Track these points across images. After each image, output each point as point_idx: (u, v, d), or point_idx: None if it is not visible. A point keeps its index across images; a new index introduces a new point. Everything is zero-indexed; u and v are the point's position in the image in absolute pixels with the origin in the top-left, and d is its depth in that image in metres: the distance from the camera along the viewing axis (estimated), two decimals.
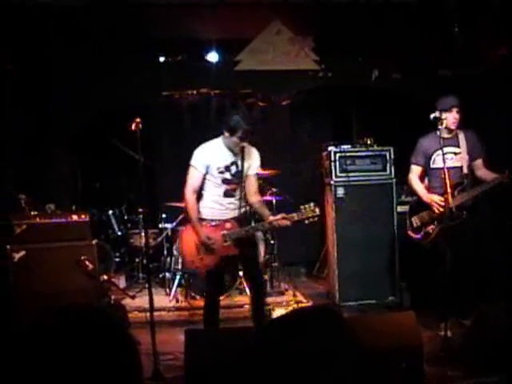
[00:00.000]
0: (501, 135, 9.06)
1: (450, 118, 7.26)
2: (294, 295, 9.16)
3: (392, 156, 8.94)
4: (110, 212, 10.47)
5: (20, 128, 9.39)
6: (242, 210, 6.80)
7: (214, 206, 6.77)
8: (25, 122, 9.48)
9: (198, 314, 8.20)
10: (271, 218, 6.67)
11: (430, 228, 7.49)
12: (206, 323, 6.93)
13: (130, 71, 9.94)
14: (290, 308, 8.56)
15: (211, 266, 6.69)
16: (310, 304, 8.86)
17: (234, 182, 6.71)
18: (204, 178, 6.70)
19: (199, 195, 6.79)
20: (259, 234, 9.70)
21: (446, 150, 7.17)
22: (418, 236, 7.65)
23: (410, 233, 7.77)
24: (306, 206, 6.80)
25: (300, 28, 9.99)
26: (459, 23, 9.20)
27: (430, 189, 7.59)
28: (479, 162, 7.43)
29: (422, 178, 7.74)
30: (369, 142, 9.03)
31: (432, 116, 6.92)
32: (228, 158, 6.69)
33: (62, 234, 7.81)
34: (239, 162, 6.70)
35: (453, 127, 7.34)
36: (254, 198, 6.89)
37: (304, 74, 10.37)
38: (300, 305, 8.77)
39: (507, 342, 5.58)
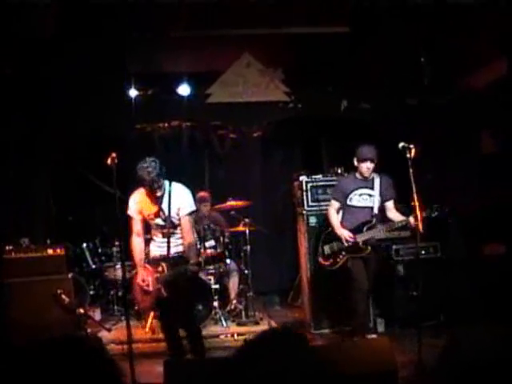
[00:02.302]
0: (466, 163, 9.29)
1: (364, 167, 7.86)
2: (269, 324, 9.19)
3: None
4: (84, 245, 10.48)
5: None
6: (174, 249, 6.98)
7: (156, 245, 7.09)
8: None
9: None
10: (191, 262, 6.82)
11: (338, 257, 8.09)
12: (171, 355, 7.18)
13: (102, 105, 10.01)
14: None
15: (149, 306, 7.10)
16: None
17: (166, 227, 6.92)
18: (146, 222, 7.01)
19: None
20: (232, 265, 9.79)
21: (362, 190, 7.96)
22: (327, 263, 8.26)
23: (320, 259, 8.39)
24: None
25: (270, 60, 10.14)
26: (426, 53, 9.38)
27: (343, 222, 8.09)
28: (390, 203, 8.03)
29: (337, 212, 8.21)
30: (339, 171, 9.15)
31: (401, 145, 7.01)
32: (154, 205, 6.91)
33: (38, 268, 7.87)
34: (166, 208, 6.87)
35: (366, 175, 7.90)
36: (186, 239, 6.97)
37: (274, 106, 10.55)
38: None
39: (481, 364, 5.67)
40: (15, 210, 9.81)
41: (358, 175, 8.00)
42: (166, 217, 6.88)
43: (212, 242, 9.42)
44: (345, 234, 7.92)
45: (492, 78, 9.08)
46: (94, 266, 10.51)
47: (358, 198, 7.98)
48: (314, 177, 9.15)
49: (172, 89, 10.40)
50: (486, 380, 4.96)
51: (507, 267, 8.33)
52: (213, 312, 9.11)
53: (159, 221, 6.94)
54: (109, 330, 8.73)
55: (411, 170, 6.79)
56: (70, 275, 7.98)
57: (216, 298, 9.21)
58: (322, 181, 9.14)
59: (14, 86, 9.05)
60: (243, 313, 9.52)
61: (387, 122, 9.77)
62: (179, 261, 6.85)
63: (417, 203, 6.88)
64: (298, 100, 10.54)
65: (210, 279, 9.30)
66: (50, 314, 7.63)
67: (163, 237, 7.00)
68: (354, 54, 9.52)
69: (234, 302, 9.76)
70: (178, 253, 6.96)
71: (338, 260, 8.08)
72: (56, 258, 8.01)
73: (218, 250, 9.43)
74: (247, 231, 9.57)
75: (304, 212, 9.06)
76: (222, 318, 9.16)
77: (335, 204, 8.15)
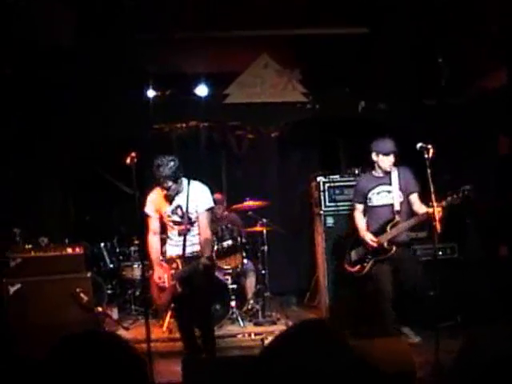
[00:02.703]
0: (483, 164, 9.25)
1: (387, 161, 7.61)
2: (286, 324, 9.16)
3: None
4: (102, 245, 10.50)
5: (14, 159, 9.48)
6: (190, 248, 7.08)
7: (172, 245, 7.16)
8: (20, 155, 9.56)
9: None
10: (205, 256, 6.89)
11: (365, 262, 7.80)
12: (187, 354, 7.28)
13: (120, 105, 10.06)
14: None
15: (165, 303, 7.17)
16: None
17: (184, 223, 7.01)
18: (162, 221, 7.11)
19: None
20: (249, 265, 9.81)
21: (380, 188, 7.69)
22: (355, 269, 7.95)
23: (346, 266, 8.09)
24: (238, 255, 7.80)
25: (287, 61, 10.16)
26: (444, 53, 9.37)
27: (368, 224, 7.85)
28: (414, 196, 7.64)
29: (364, 214, 7.98)
30: (356, 172, 9.15)
31: (418, 145, 6.94)
32: (171, 202, 7.04)
33: (57, 267, 7.92)
34: (184, 205, 6.98)
35: (388, 169, 7.65)
36: (203, 235, 7.07)
37: (292, 107, 10.59)
38: None
39: (498, 365, 5.65)
40: (34, 210, 9.88)
41: (374, 173, 7.79)
42: (184, 213, 6.98)
43: (229, 242, 9.44)
44: (367, 237, 7.70)
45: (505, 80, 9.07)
46: (111, 266, 10.53)
47: (377, 197, 7.71)
48: (331, 177, 9.21)
49: (190, 89, 10.47)
50: (502, 380, 4.96)
51: None
52: (230, 312, 9.13)
53: (176, 217, 7.05)
54: (127, 329, 8.80)
55: (429, 171, 6.75)
56: (88, 274, 8.02)
57: (233, 297, 9.22)
58: (339, 181, 9.20)
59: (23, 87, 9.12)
60: (260, 313, 9.51)
61: (404, 123, 9.74)
62: (194, 258, 6.93)
63: (435, 204, 6.77)
64: (316, 101, 10.56)
65: (228, 279, 9.33)
66: (68, 313, 7.67)
67: (179, 235, 7.08)
68: (372, 55, 9.52)
69: (251, 301, 9.79)
70: (193, 252, 7.05)
71: (365, 265, 7.81)
72: (74, 257, 8.07)
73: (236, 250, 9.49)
74: (264, 231, 9.59)
75: (321, 212, 9.11)
76: (239, 318, 9.17)
77: (359, 207, 7.95)
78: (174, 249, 7.12)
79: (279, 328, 9.01)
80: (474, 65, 9.19)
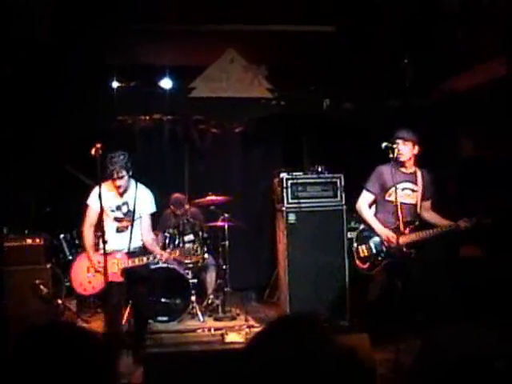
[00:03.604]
0: (445, 166, 9.29)
1: (406, 149, 7.22)
2: (246, 320, 9.18)
3: (342, 183, 9.05)
4: (61, 236, 10.39)
5: None
6: (133, 245, 7.19)
7: (109, 238, 7.02)
8: None
9: (153, 338, 8.30)
10: (161, 253, 7.21)
11: (378, 260, 7.42)
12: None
13: (84, 97, 9.94)
14: (243, 332, 8.61)
15: (98, 288, 7.07)
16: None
17: (126, 220, 7.15)
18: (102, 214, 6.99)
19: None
20: (210, 260, 9.79)
21: (404, 185, 7.27)
22: (365, 266, 7.56)
23: (357, 262, 7.68)
24: (195, 248, 7.71)
25: (254, 56, 10.13)
26: (409, 54, 9.41)
27: (378, 219, 7.43)
28: (429, 202, 7.42)
29: (369, 206, 7.62)
30: (320, 170, 9.14)
31: (384, 145, 6.89)
32: (119, 198, 7.16)
33: (17, 258, 7.83)
34: (131, 202, 7.13)
35: (405, 159, 7.23)
36: (146, 236, 7.27)
37: (257, 102, 10.57)
38: (252, 329, 8.79)
39: (458, 364, 5.66)
40: None
41: (398, 166, 7.21)
42: (129, 210, 7.11)
43: (191, 237, 9.44)
44: (388, 234, 7.20)
45: (473, 82, 9.13)
46: (70, 257, 10.39)
47: (400, 193, 7.10)
48: (294, 174, 9.15)
49: (154, 82, 10.39)
50: (461, 380, 4.98)
51: (484, 269, 8.35)
52: (190, 306, 9.12)
53: (119, 214, 7.16)
54: (86, 322, 8.72)
55: (393, 170, 6.78)
56: (48, 266, 7.95)
57: (193, 292, 9.22)
58: (302, 178, 9.14)
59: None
60: (220, 308, 9.54)
61: (369, 123, 9.78)
62: (138, 253, 7.13)
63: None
64: (281, 97, 10.55)
65: (188, 273, 9.31)
66: (27, 305, 7.60)
67: (117, 231, 7.19)
68: (338, 54, 9.53)
69: (211, 296, 9.78)
70: (135, 247, 7.20)
71: (377, 263, 7.39)
72: (34, 248, 8.01)
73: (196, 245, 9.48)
74: (226, 226, 9.58)
75: (283, 209, 9.05)
76: (199, 313, 9.16)
77: (369, 197, 7.51)
78: (111, 243, 7.04)
79: (239, 323, 9.06)
80: (440, 66, 9.23)
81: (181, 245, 9.37)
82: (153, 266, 9.08)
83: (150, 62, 10.06)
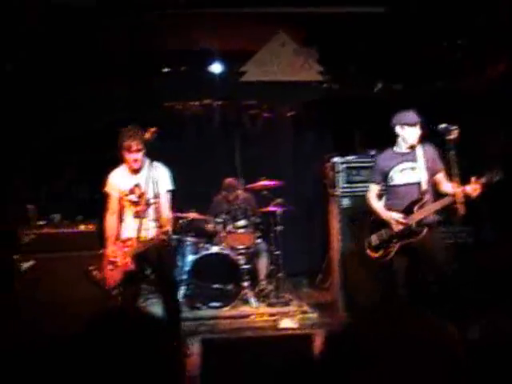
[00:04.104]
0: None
1: (413, 133, 7.05)
2: (300, 305, 9.14)
3: None
4: None
5: (28, 138, 9.38)
6: (148, 231, 6.82)
7: (127, 225, 6.96)
8: (33, 133, 9.46)
9: (204, 325, 8.28)
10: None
11: (390, 246, 7.15)
12: None
13: (133, 82, 9.91)
14: (296, 318, 8.55)
15: (117, 281, 6.84)
16: (315, 314, 8.83)
17: (140, 204, 6.82)
18: (120, 201, 6.94)
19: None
20: (263, 245, 9.74)
21: (403, 165, 7.09)
22: (377, 255, 7.32)
23: (368, 252, 7.45)
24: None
25: (304, 39, 10.00)
26: (463, 36, 9.21)
27: (388, 206, 7.24)
28: (440, 176, 7.09)
29: (380, 197, 7.46)
30: (372, 153, 9.00)
31: (443, 126, 6.71)
32: (131, 180, 6.89)
33: (70, 244, 7.84)
34: (143, 184, 6.81)
35: (414, 143, 7.06)
36: (161, 214, 6.86)
37: (308, 85, 10.42)
38: (306, 315, 8.76)
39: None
40: (47, 187, 9.80)
41: (396, 149, 7.19)
42: (142, 193, 6.79)
43: (243, 222, 9.39)
44: (394, 216, 7.01)
45: None
46: None
47: (400, 175, 7.06)
48: (347, 158, 9.04)
49: (204, 66, 10.35)
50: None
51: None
52: (242, 292, 9.09)
53: (133, 197, 6.86)
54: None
55: (453, 153, 6.59)
56: (101, 251, 7.91)
57: (246, 278, 9.19)
58: (355, 162, 9.04)
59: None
60: (272, 294, 9.49)
61: (421, 105, 9.59)
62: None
63: (456, 185, 6.55)
64: (332, 80, 10.42)
65: (240, 259, 9.26)
66: (81, 291, 7.55)
67: (135, 217, 6.88)
68: (389, 35, 9.35)
69: (264, 282, 9.74)
70: (147, 236, 6.84)
71: (390, 249, 7.09)
72: (87, 234, 7.97)
73: (249, 231, 9.44)
74: (278, 211, 9.51)
75: (337, 193, 8.96)
76: (252, 299, 9.13)
77: (374, 188, 7.40)
78: (128, 231, 6.91)
79: (292, 309, 9.01)
80: (494, 45, 9.01)
81: (233, 230, 9.34)
82: (205, 252, 9.12)
83: (200, 47, 9.95)
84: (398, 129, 7.13)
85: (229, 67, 10.34)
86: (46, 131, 9.71)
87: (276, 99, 10.83)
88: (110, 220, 7.01)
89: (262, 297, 9.53)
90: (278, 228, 9.58)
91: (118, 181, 6.92)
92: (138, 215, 6.80)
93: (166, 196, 6.97)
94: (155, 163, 6.87)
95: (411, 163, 7.09)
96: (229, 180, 10.00)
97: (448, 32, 9.24)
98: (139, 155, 6.73)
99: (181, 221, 9.27)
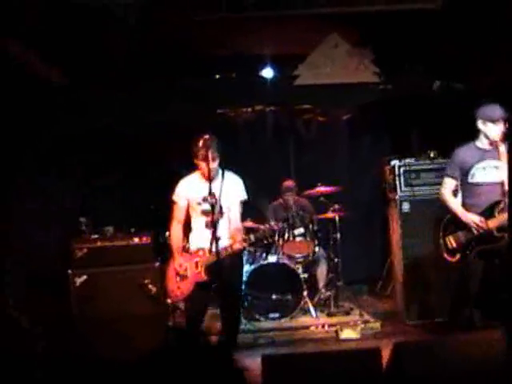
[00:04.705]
0: None
1: (496, 130, 6.64)
2: (361, 314, 8.89)
3: None
4: (167, 234, 10.26)
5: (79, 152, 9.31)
6: (221, 242, 6.53)
7: (198, 236, 6.77)
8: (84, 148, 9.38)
9: (264, 337, 8.12)
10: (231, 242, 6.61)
11: (468, 250, 6.74)
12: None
13: (185, 89, 9.76)
14: (358, 328, 8.31)
15: (186, 293, 6.67)
16: (377, 323, 8.58)
17: (213, 213, 6.54)
18: (188, 211, 6.80)
19: (189, 226, 6.91)
20: (321, 253, 9.55)
21: (486, 163, 6.70)
22: (454, 259, 6.92)
23: (445, 255, 7.06)
24: (267, 225, 6.77)
25: (358, 40, 9.75)
26: None
27: (465, 206, 6.85)
28: None
29: (454, 193, 7.05)
30: (432, 155, 8.79)
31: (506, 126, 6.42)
32: (205, 188, 6.59)
33: (124, 257, 7.71)
34: (217, 192, 6.59)
35: (497, 139, 6.64)
36: (233, 225, 6.77)
37: (364, 87, 10.12)
38: (368, 324, 8.52)
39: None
40: (99, 199, 9.72)
41: (479, 144, 6.77)
42: (217, 200, 6.54)
43: (301, 230, 9.21)
44: (475, 219, 6.60)
45: None
46: None
47: (483, 173, 6.65)
48: (406, 161, 8.79)
49: (256, 72, 10.14)
50: None
51: None
52: (301, 302, 8.88)
53: (206, 206, 6.60)
54: None
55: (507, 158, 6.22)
56: (156, 264, 7.76)
57: (305, 287, 8.97)
58: (414, 165, 8.81)
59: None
60: (332, 303, 9.28)
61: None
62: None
63: None
64: (389, 81, 10.13)
65: (298, 268, 9.06)
66: (136, 305, 7.45)
67: (206, 226, 6.67)
68: (445, 31, 9.04)
69: (323, 291, 9.51)
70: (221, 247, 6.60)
71: (468, 253, 6.71)
72: (142, 247, 7.84)
73: (307, 239, 9.24)
74: (337, 218, 9.29)
75: (397, 198, 8.74)
76: (311, 309, 8.93)
77: (451, 183, 6.94)
78: (200, 241, 6.69)
79: (353, 319, 8.82)
80: None
81: (291, 238, 9.16)
82: (263, 262, 8.94)
83: (251, 52, 9.78)
84: (480, 123, 6.77)
85: (281, 71, 10.11)
86: (98, 144, 9.60)
87: (330, 102, 10.55)
88: (176, 229, 6.90)
89: (321, 306, 9.37)
90: (337, 235, 9.36)
91: (190, 189, 6.76)
92: (210, 225, 6.59)
93: (239, 207, 6.84)
94: (228, 172, 6.80)
95: (495, 161, 6.70)
96: (287, 182, 9.88)
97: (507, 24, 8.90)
98: (215, 164, 6.58)
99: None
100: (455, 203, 6.93)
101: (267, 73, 10.16)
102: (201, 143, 6.46)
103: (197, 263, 6.56)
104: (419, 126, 10.71)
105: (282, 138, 11.26)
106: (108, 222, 8.46)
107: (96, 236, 7.84)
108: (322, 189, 9.54)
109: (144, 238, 7.83)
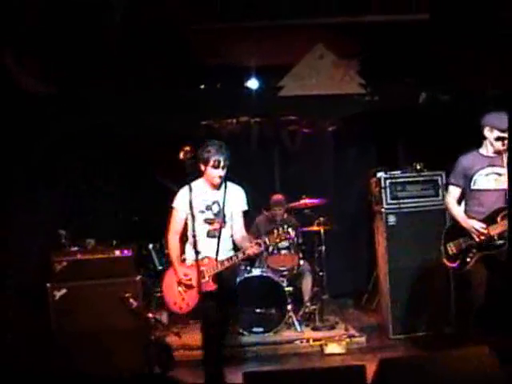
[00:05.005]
0: None
1: (503, 139, 6.55)
2: (346, 329, 8.77)
3: (444, 181, 8.54)
4: (151, 246, 10.13)
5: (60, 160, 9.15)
6: (224, 254, 6.53)
7: (201, 245, 6.36)
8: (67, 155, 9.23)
9: (249, 351, 8.07)
10: (246, 245, 6.50)
11: (468, 256, 6.73)
12: (205, 364, 6.42)
13: (168, 100, 9.63)
14: (343, 343, 8.21)
15: (192, 304, 6.49)
16: (363, 338, 8.48)
17: (217, 222, 6.53)
18: (187, 219, 6.57)
19: (185, 236, 6.71)
20: (306, 266, 9.45)
21: (489, 170, 6.68)
22: (454, 265, 6.91)
23: (445, 261, 7.02)
24: (280, 229, 6.57)
25: (344, 51, 9.67)
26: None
27: (468, 213, 6.83)
28: None
29: (459, 201, 7.03)
30: (418, 167, 8.75)
31: (495, 135, 6.51)
32: (209, 196, 6.58)
33: (105, 271, 7.55)
34: (221, 201, 6.56)
35: (501, 149, 6.61)
36: (239, 234, 6.68)
37: (349, 99, 10.04)
38: (353, 339, 8.41)
39: None
40: (80, 211, 9.57)
41: (483, 151, 6.78)
42: (220, 209, 6.51)
43: (285, 243, 9.04)
44: (475, 225, 6.61)
45: None
46: (160, 268, 10.13)
47: (485, 179, 6.65)
48: (392, 173, 8.73)
49: (241, 82, 10.06)
50: None
51: None
52: (286, 316, 8.74)
53: (210, 214, 6.53)
54: (178, 335, 8.41)
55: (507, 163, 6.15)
56: (137, 278, 7.61)
57: (289, 300, 8.84)
58: (401, 177, 8.75)
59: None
60: (317, 317, 9.13)
61: (469, 116, 9.17)
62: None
63: None
64: (374, 92, 10.05)
65: (283, 281, 8.94)
66: (117, 319, 7.30)
67: (208, 236, 6.52)
68: (434, 43, 8.99)
69: (308, 304, 9.38)
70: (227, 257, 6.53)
71: (468, 260, 6.71)
72: (123, 260, 7.67)
73: (292, 252, 9.14)
74: (322, 230, 9.19)
75: (383, 210, 8.66)
76: (296, 323, 8.81)
77: (454, 191, 6.93)
78: (202, 250, 6.37)
79: (338, 333, 8.72)
80: None
81: (275, 251, 9.05)
82: (247, 275, 8.80)
83: (235, 62, 9.68)
84: (486, 131, 6.73)
85: (266, 82, 10.03)
86: (81, 150, 9.45)
87: (315, 114, 10.46)
88: (174, 239, 6.69)
89: (306, 320, 9.23)
90: (322, 248, 9.24)
91: (194, 196, 6.28)
92: (212, 235, 6.54)
93: (241, 217, 6.75)
94: (229, 182, 6.73)
95: (498, 168, 6.68)
96: (276, 196, 9.81)
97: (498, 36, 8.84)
98: (224, 172, 6.52)
99: None
100: (458, 210, 6.91)
101: (252, 83, 10.07)
102: (215, 149, 6.44)
103: (202, 272, 6.28)
104: (405, 138, 10.68)
105: (267, 149, 11.17)
106: (90, 234, 8.33)
107: (76, 248, 7.68)
108: (307, 201, 9.43)
109: (125, 251, 7.66)
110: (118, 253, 7.68)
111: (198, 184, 6.61)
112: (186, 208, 6.38)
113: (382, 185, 8.66)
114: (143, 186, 10.24)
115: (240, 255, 6.46)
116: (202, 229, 6.49)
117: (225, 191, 6.59)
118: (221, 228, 6.53)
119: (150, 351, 7.25)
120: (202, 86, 9.97)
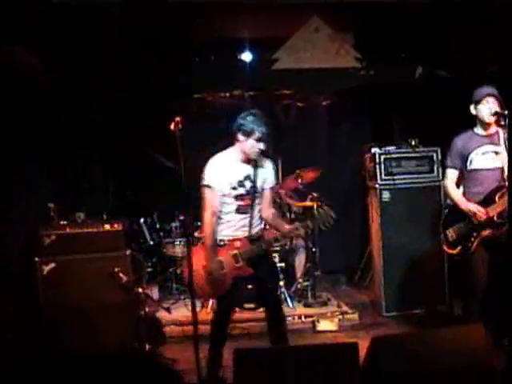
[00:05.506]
0: None
1: (485, 109, 6.47)
2: (339, 306, 8.74)
3: (439, 157, 8.55)
4: (142, 220, 10.04)
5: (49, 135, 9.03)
6: (256, 229, 6.22)
7: (226, 224, 6.18)
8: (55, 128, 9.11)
9: (239, 328, 7.96)
10: (286, 227, 6.25)
11: (469, 241, 6.59)
12: (212, 341, 6.38)
13: (161, 73, 9.50)
14: (336, 320, 8.16)
15: (221, 291, 6.17)
16: (355, 315, 8.43)
17: (248, 198, 6.12)
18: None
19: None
20: (299, 242, 9.35)
21: (484, 148, 6.56)
22: (456, 251, 6.75)
23: (445, 248, 6.91)
24: (321, 210, 6.40)
25: (340, 24, 9.56)
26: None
27: (467, 195, 6.71)
28: None
29: (458, 183, 6.91)
30: (413, 143, 8.69)
31: (492, 111, 6.33)
32: (241, 171, 6.13)
33: (94, 245, 7.42)
34: (253, 176, 6.14)
35: (488, 120, 6.48)
36: (268, 211, 6.31)
37: (344, 73, 9.99)
38: (345, 316, 8.36)
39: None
40: (71, 185, 9.47)
41: (477, 130, 6.64)
42: (252, 186, 6.10)
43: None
44: (472, 208, 6.49)
45: None
46: (151, 242, 10.06)
47: (481, 158, 6.51)
48: (387, 148, 8.65)
49: (234, 55, 9.97)
50: None
51: None
52: (278, 292, 8.65)
53: (241, 190, 6.07)
54: (168, 311, 8.31)
55: (506, 141, 6.05)
56: (127, 252, 7.50)
57: (281, 276, 8.78)
58: (395, 153, 8.68)
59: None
60: (310, 293, 9.08)
61: (466, 92, 9.08)
62: (258, 239, 6.16)
63: None
64: (370, 66, 9.96)
65: (275, 257, 8.82)
66: (106, 294, 7.20)
67: (237, 212, 6.10)
68: (431, 17, 8.87)
69: (300, 281, 9.32)
70: (257, 233, 6.21)
71: (470, 244, 6.55)
72: (113, 234, 7.53)
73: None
74: (315, 206, 9.07)
75: (377, 186, 8.60)
76: (288, 299, 8.74)
77: (452, 173, 6.78)
78: (231, 230, 6.14)
79: (331, 310, 8.66)
80: None
81: (267, 227, 8.96)
82: None
83: (229, 35, 9.55)
84: (472, 109, 6.64)
85: (260, 55, 9.94)
86: (71, 124, 9.32)
87: (310, 88, 10.33)
88: (212, 222, 6.10)
89: (298, 296, 9.16)
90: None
91: (224, 171, 6.09)
92: (243, 211, 6.13)
93: (271, 193, 6.40)
94: (260, 156, 6.23)
95: (494, 146, 6.57)
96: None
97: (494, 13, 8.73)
98: (258, 154, 6.12)
99: None
100: (457, 194, 6.79)
101: (246, 56, 9.99)
102: (260, 121, 6.06)
103: (235, 256, 6.06)
104: (401, 114, 10.56)
105: None
106: (81, 209, 8.21)
107: (65, 222, 7.55)
108: (301, 173, 9.25)
109: (115, 225, 7.53)
110: (107, 227, 7.55)
111: (228, 157, 6.22)
112: (220, 184, 6.07)
113: (377, 160, 8.59)
114: (136, 161, 10.09)
115: (280, 238, 6.27)
116: (231, 206, 6.15)
117: (255, 165, 6.16)
118: (253, 204, 6.14)
119: (139, 326, 7.16)
120: (197, 59, 9.83)
